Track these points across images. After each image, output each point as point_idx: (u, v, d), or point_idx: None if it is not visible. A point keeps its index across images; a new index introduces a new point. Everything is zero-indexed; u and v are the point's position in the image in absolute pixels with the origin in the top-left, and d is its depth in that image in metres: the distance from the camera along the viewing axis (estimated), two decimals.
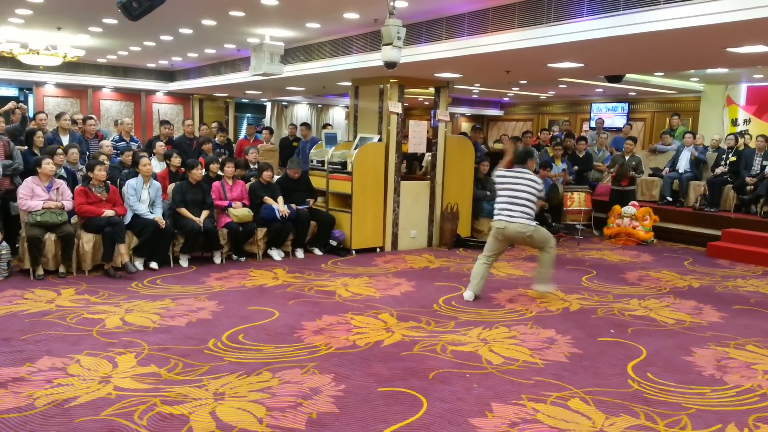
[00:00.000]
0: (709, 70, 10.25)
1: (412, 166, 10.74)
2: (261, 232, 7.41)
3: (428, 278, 6.86)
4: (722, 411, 3.64)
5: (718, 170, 9.78)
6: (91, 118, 8.90)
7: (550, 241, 5.88)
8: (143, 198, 6.71)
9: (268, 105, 19.43)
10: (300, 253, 7.75)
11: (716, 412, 3.62)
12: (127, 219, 6.58)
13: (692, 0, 4.78)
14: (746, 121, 12.29)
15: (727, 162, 9.71)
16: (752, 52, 5.86)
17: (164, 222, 6.63)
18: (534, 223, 5.74)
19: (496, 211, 5.83)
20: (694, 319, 5.56)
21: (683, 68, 9.70)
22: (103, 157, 7.28)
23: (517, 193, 5.71)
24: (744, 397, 3.86)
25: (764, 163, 9.26)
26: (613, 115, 15.94)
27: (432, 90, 9.12)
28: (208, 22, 8.35)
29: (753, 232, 8.60)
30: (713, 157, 10.11)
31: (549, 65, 7.49)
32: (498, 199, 5.83)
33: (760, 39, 5.35)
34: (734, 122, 12.42)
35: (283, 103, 19.51)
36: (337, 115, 20.63)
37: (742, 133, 10.76)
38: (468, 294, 5.95)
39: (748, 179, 9.28)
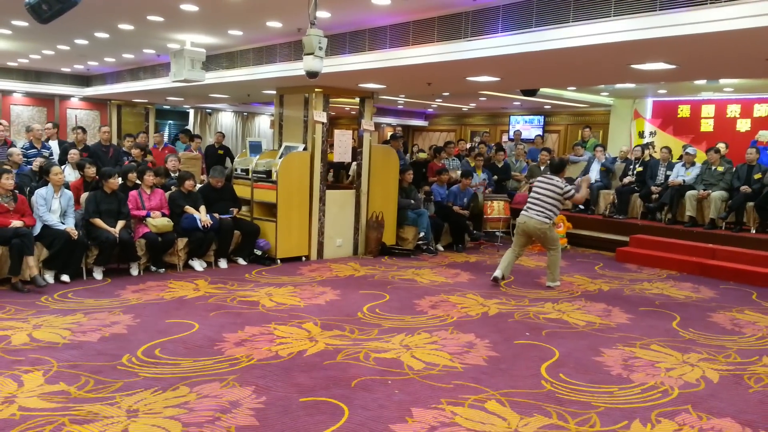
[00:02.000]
0: (618, 85, 10.83)
1: (339, 175, 10.78)
2: (182, 242, 7.23)
3: (353, 286, 6.89)
4: (628, 408, 3.85)
5: (626, 180, 10.34)
6: (0, 123, 8.46)
7: (557, 243, 7.00)
8: (54, 208, 6.41)
9: (191, 112, 18.98)
10: (223, 263, 7.61)
11: (623, 410, 3.82)
12: (37, 230, 6.27)
13: (597, 19, 5.08)
14: (652, 134, 13.09)
15: (635, 172, 10.29)
16: (654, 69, 6.27)
17: (76, 233, 6.36)
18: (550, 222, 6.78)
19: (522, 210, 6.99)
20: (604, 320, 5.85)
21: (593, 83, 10.21)
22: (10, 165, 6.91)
23: (540, 196, 6.80)
24: (648, 394, 4.09)
25: (668, 173, 9.88)
26: (530, 127, 16.59)
27: (358, 99, 9.20)
28: (125, 27, 8.09)
29: (658, 238, 9.15)
30: (621, 167, 10.68)
31: (468, 78, 7.73)
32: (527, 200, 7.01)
33: (660, 57, 5.74)
34: (641, 134, 13.18)
35: (207, 110, 19.10)
36: (263, 123, 20.40)
37: (648, 145, 11.43)
38: (497, 272, 7.00)
39: (653, 188, 9.87)
